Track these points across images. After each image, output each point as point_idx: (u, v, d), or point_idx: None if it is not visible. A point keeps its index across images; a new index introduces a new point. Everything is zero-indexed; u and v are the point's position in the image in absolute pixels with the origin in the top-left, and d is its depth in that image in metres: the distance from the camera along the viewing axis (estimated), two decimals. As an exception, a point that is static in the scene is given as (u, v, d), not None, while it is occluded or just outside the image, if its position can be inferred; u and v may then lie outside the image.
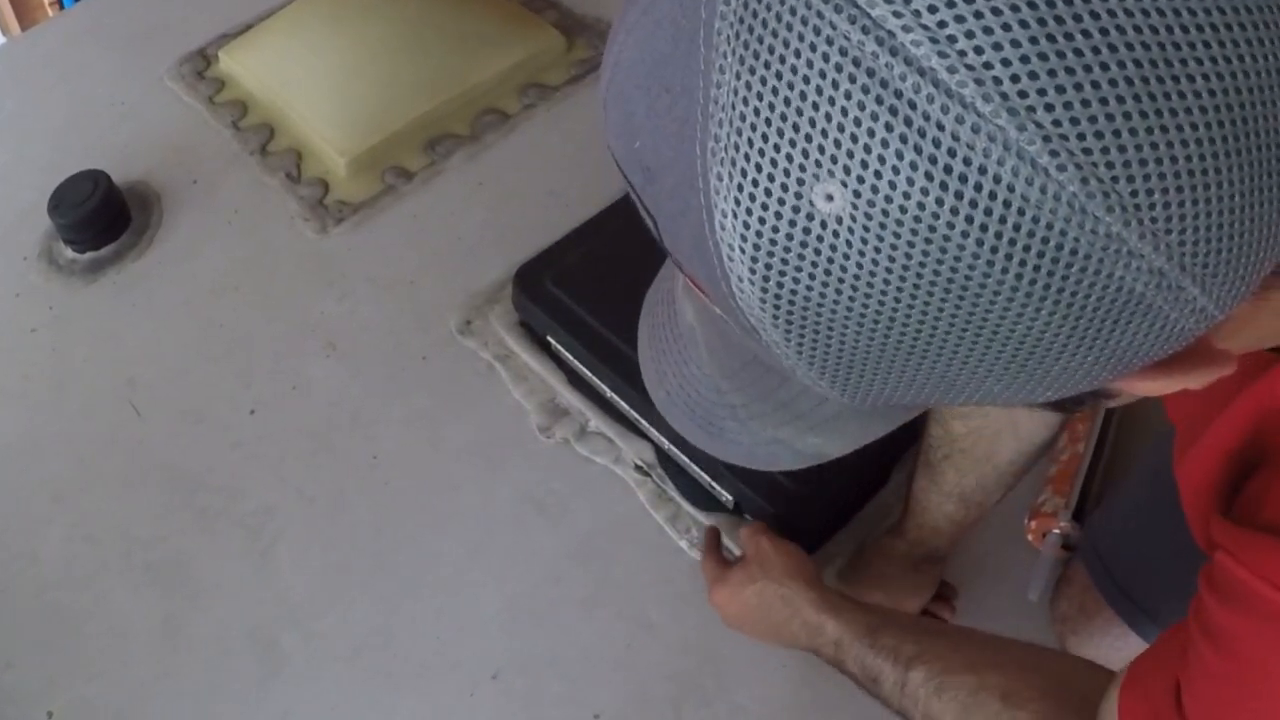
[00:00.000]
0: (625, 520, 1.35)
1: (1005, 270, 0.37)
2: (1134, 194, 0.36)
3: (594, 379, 1.41)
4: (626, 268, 1.46)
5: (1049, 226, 0.36)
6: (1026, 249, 0.37)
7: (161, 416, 1.46)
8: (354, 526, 1.35)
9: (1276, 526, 0.61)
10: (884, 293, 0.39)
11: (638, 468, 1.38)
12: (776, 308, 0.42)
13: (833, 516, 1.31)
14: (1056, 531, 1.26)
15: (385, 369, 1.50)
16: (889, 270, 0.39)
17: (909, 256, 0.38)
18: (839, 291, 0.40)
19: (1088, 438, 1.32)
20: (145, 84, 1.89)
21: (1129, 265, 0.37)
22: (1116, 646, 1.16)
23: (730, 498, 1.31)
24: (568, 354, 1.43)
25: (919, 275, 0.38)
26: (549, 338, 1.45)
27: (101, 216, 1.61)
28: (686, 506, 1.35)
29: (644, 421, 1.37)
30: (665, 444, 1.35)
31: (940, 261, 0.38)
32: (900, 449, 1.34)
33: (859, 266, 0.39)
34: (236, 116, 1.81)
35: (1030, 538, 1.29)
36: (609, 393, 1.40)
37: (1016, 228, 0.36)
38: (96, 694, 1.24)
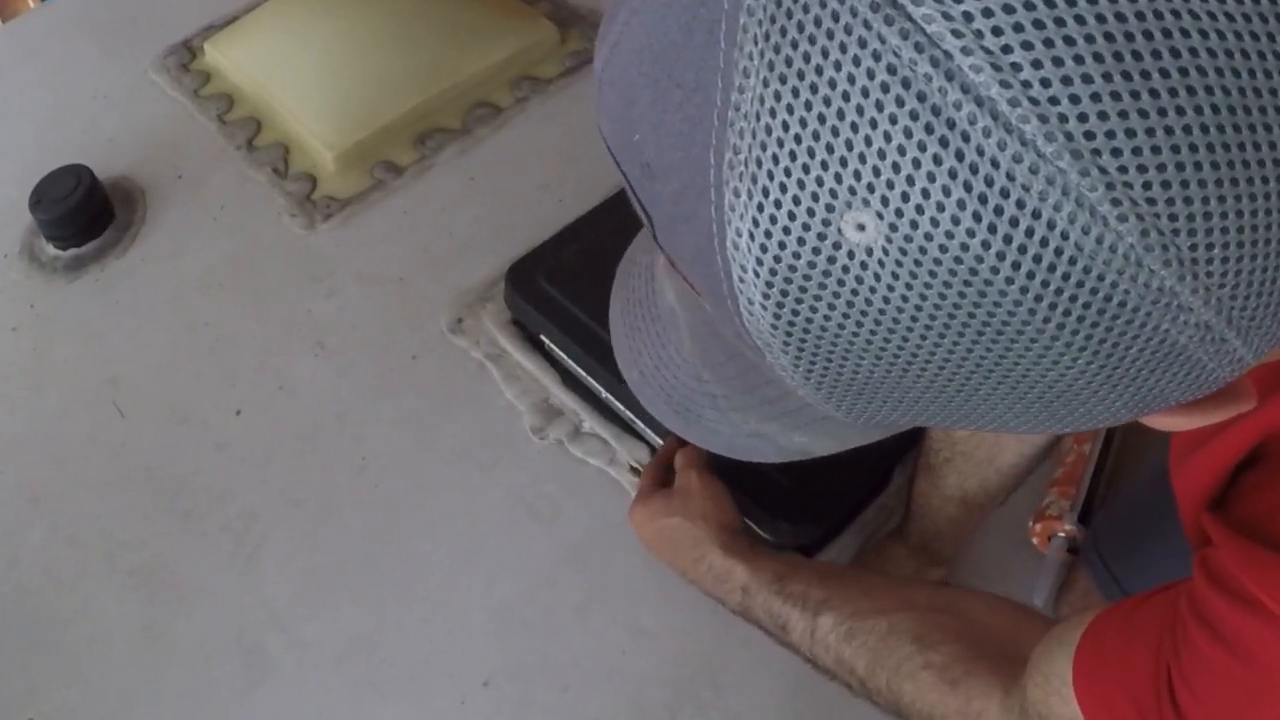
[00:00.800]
0: (620, 524, 1.32)
1: (1047, 320, 0.36)
2: (1193, 248, 0.34)
3: (588, 379, 1.40)
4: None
5: (1100, 278, 0.34)
6: (1073, 299, 0.35)
7: (144, 417, 1.45)
8: (342, 530, 1.34)
9: None
10: (910, 329, 0.37)
11: (633, 470, 1.37)
12: (789, 335, 0.40)
13: (833, 520, 1.29)
14: (1062, 535, 1.25)
15: (374, 368, 1.49)
16: (918, 308, 0.37)
17: (943, 296, 0.36)
18: (860, 324, 0.38)
19: (1094, 439, 1.31)
20: (128, 77, 1.88)
21: (1176, 319, 0.36)
22: None
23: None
24: (561, 353, 1.42)
25: (951, 316, 0.36)
26: (542, 336, 1.44)
27: (84, 212, 1.60)
28: (683, 509, 1.33)
29: (639, 422, 1.36)
30: (661, 445, 1.34)
31: (977, 305, 0.36)
32: (902, 450, 1.33)
33: (886, 302, 0.37)
34: (222, 110, 1.80)
35: (1035, 541, 1.28)
36: (604, 393, 1.39)
37: (1066, 276, 0.34)
38: (78, 701, 1.23)
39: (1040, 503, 1.29)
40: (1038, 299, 0.35)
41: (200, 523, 1.36)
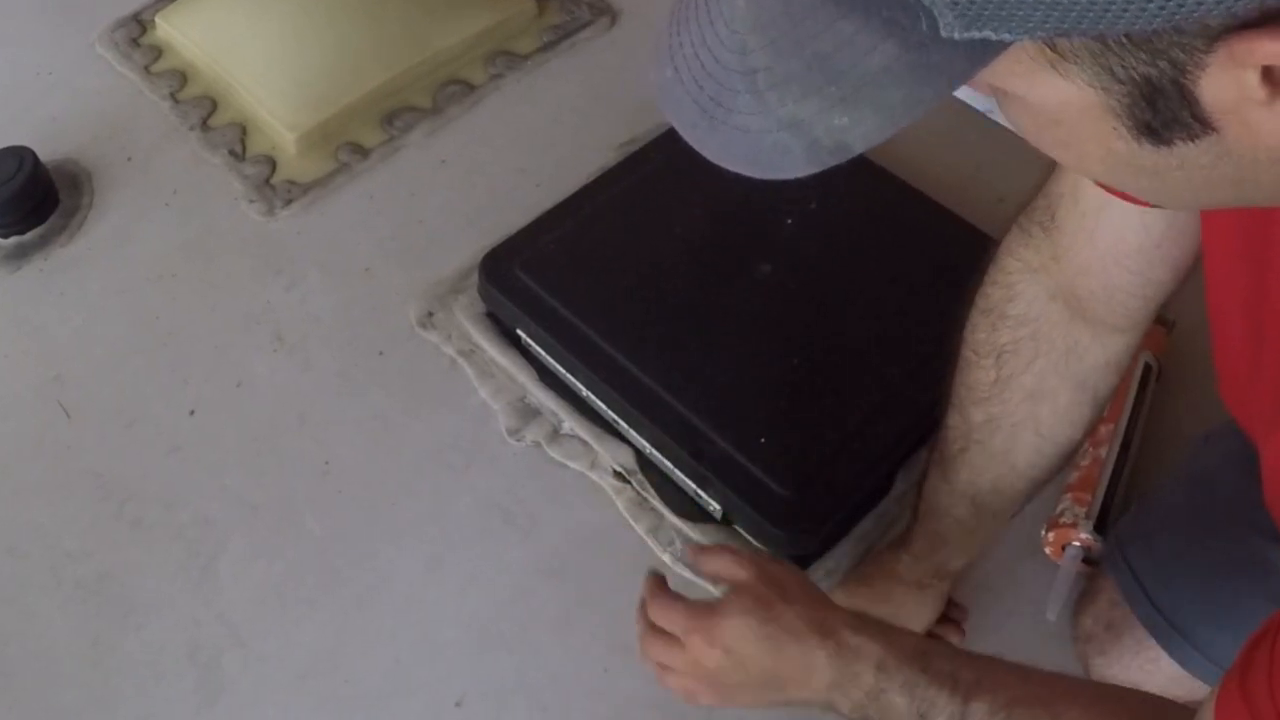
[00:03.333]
0: (602, 531, 1.34)
1: None
2: None
3: (568, 376, 1.39)
4: (603, 253, 1.46)
5: None
6: None
7: (92, 418, 1.43)
8: (303, 538, 1.33)
9: None
10: None
11: (616, 474, 1.36)
12: None
13: (831, 527, 1.29)
14: (1077, 544, 1.24)
15: (338, 365, 1.48)
16: None
17: None
18: None
19: (1110, 442, 1.31)
20: (75, 52, 1.86)
21: None
22: (1147, 670, 1.14)
23: (718, 506, 1.29)
24: (539, 348, 1.41)
25: None
26: (519, 330, 1.43)
27: (27, 197, 1.58)
28: (670, 516, 1.33)
29: (623, 423, 1.35)
30: (647, 448, 1.33)
31: None
32: (906, 451, 1.33)
33: None
34: (175, 88, 1.78)
35: (1048, 550, 1.28)
36: (585, 391, 1.38)
37: None
38: (18, 723, 1.22)
39: (1054, 510, 1.28)
40: None
41: (151, 531, 1.34)
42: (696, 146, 0.57)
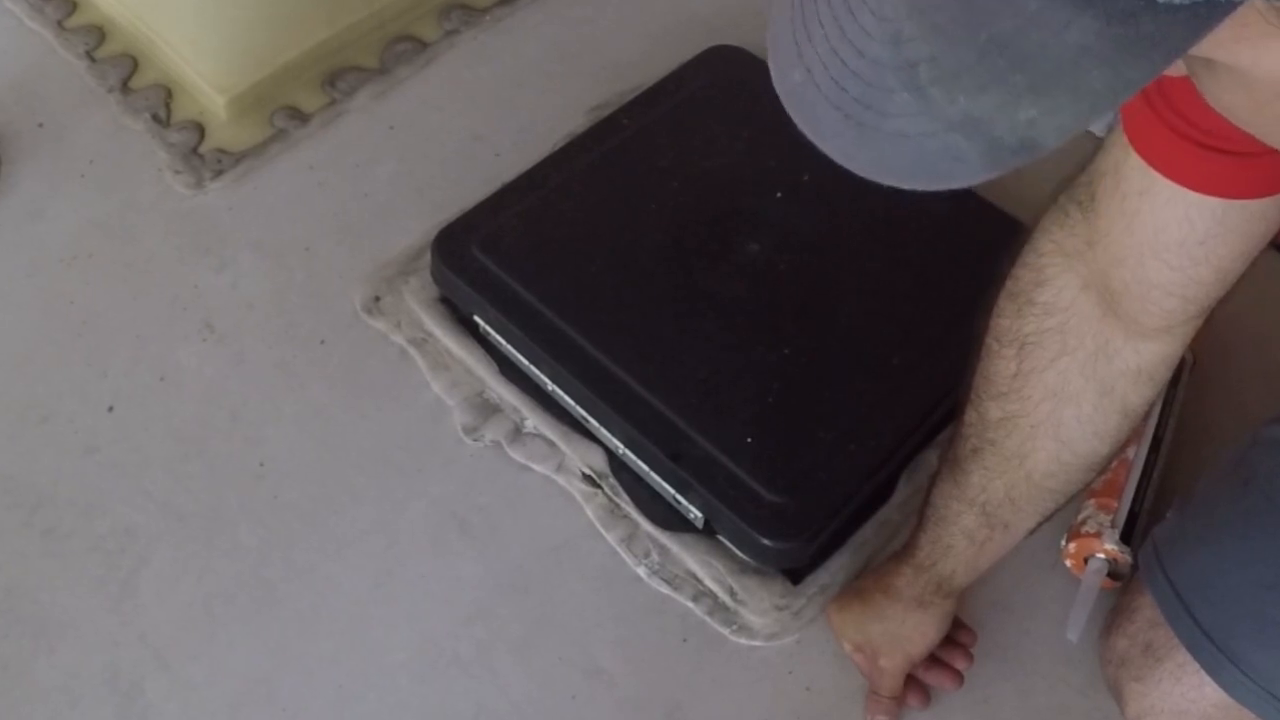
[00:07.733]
0: (569, 542, 1.33)
1: None
2: None
3: (532, 368, 1.38)
4: (571, 231, 1.45)
5: None
6: None
7: (-3, 414, 1.42)
8: (234, 550, 1.32)
9: None
10: None
11: (585, 477, 1.36)
12: None
13: (825, 537, 1.28)
14: (1101, 556, 1.23)
15: (274, 356, 1.46)
16: None
17: None
18: None
19: (1139, 441, 1.30)
20: (-21, 5, 1.84)
21: None
22: (1191, 698, 1.12)
23: (699, 514, 1.28)
24: (499, 337, 1.40)
25: None
26: (476, 317, 1.42)
27: (-77, 168, 1.57)
28: (645, 525, 1.32)
29: (593, 420, 1.34)
30: (620, 448, 1.32)
31: None
32: (909, 452, 1.32)
33: None
34: (91, 45, 1.76)
35: (1068, 563, 1.27)
36: (550, 385, 1.37)
37: None
38: (-85, 759, 1.20)
39: (1075, 517, 1.27)
40: None
41: (65, 541, 1.32)
42: (841, 160, 0.53)
